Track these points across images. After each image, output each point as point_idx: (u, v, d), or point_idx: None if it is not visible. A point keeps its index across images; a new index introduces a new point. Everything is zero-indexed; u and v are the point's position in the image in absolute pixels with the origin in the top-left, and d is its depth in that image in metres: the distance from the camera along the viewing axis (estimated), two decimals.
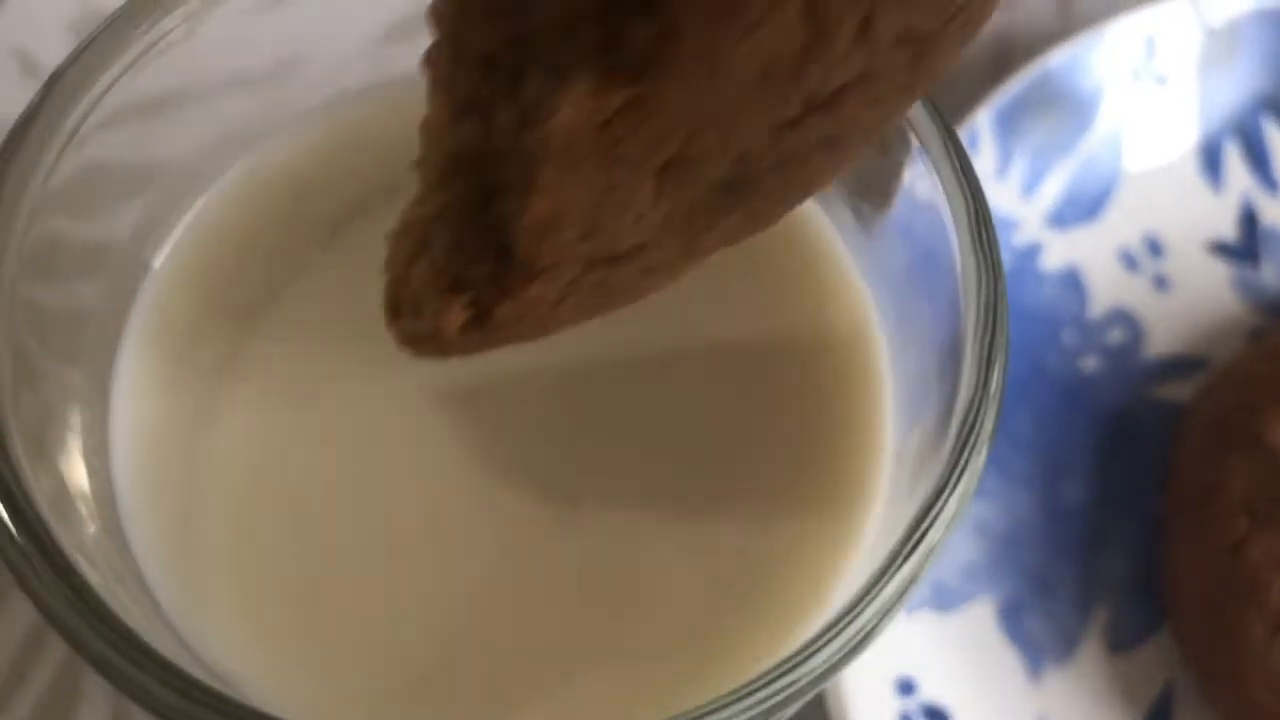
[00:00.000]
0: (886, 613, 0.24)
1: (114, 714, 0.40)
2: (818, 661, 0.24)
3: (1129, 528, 0.46)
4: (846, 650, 0.24)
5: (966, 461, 0.25)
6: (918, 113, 0.30)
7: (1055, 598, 0.45)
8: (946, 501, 0.25)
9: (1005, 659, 0.44)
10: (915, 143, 0.30)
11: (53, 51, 0.48)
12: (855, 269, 0.32)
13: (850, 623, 0.24)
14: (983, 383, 0.26)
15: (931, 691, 0.43)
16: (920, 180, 0.30)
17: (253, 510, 0.30)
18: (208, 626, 0.28)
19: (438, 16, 0.20)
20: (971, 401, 0.26)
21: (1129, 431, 0.47)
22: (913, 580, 0.24)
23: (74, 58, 0.27)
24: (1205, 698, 0.44)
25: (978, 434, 0.26)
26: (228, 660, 0.28)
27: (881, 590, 0.24)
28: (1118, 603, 0.45)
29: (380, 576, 0.29)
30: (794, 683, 0.23)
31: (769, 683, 0.23)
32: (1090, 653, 0.45)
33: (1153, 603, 0.46)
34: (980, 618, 0.45)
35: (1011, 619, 0.45)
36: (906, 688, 0.42)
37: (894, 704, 0.42)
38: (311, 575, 0.29)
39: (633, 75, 0.19)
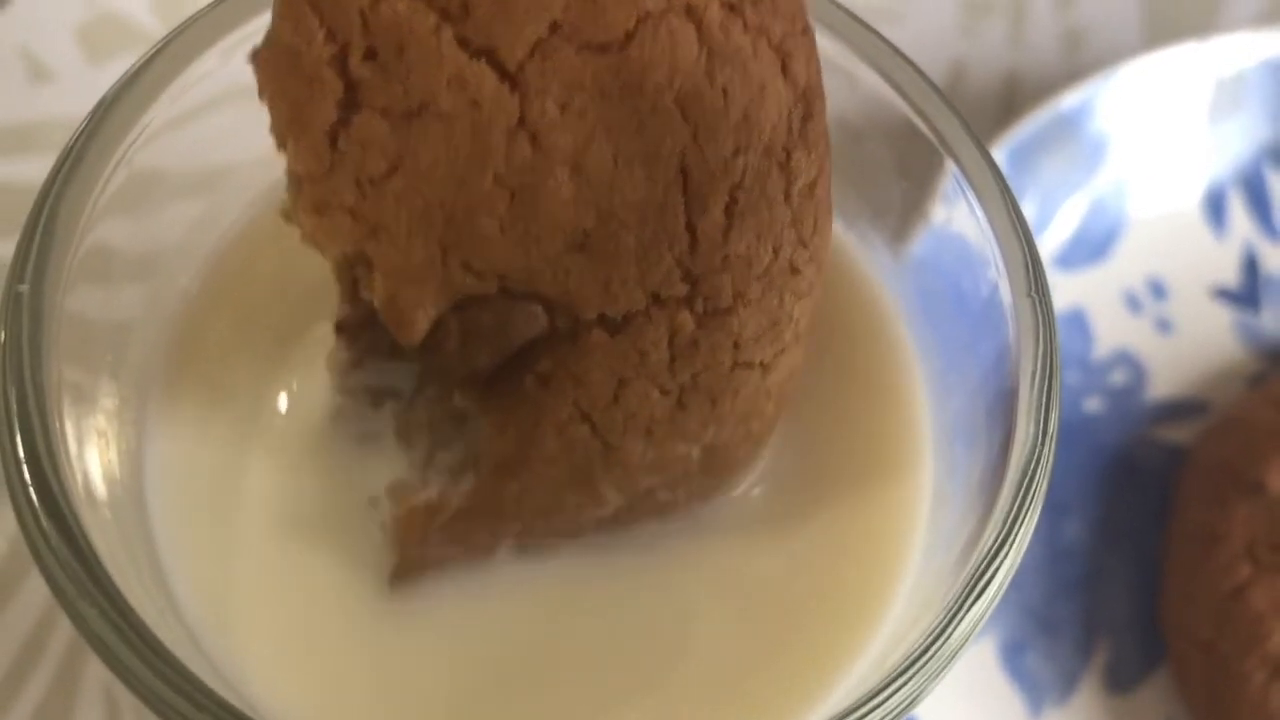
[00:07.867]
0: (953, 656, 0.24)
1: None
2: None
3: (1129, 567, 0.47)
4: (917, 691, 0.24)
5: (1027, 508, 0.25)
6: (971, 160, 0.29)
7: (1056, 636, 0.45)
8: (1009, 550, 0.25)
9: (1006, 698, 0.44)
10: (954, 179, 0.30)
11: (59, 54, 0.47)
12: (893, 307, 0.32)
13: (925, 663, 0.23)
14: (1041, 430, 0.26)
15: None
16: (963, 220, 0.30)
17: (283, 543, 0.29)
18: (236, 648, 0.28)
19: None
20: (1033, 449, 0.26)
21: (1130, 472, 0.48)
22: (976, 627, 0.24)
23: (121, 89, 0.27)
24: None
25: (1038, 481, 0.26)
26: (255, 684, 0.28)
27: (951, 634, 0.24)
28: (1118, 642, 0.46)
29: (407, 610, 0.29)
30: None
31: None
32: (1090, 693, 0.45)
33: (1152, 642, 0.46)
34: (982, 655, 0.45)
35: (1013, 657, 0.45)
36: None
37: None
38: (336, 608, 0.29)
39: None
